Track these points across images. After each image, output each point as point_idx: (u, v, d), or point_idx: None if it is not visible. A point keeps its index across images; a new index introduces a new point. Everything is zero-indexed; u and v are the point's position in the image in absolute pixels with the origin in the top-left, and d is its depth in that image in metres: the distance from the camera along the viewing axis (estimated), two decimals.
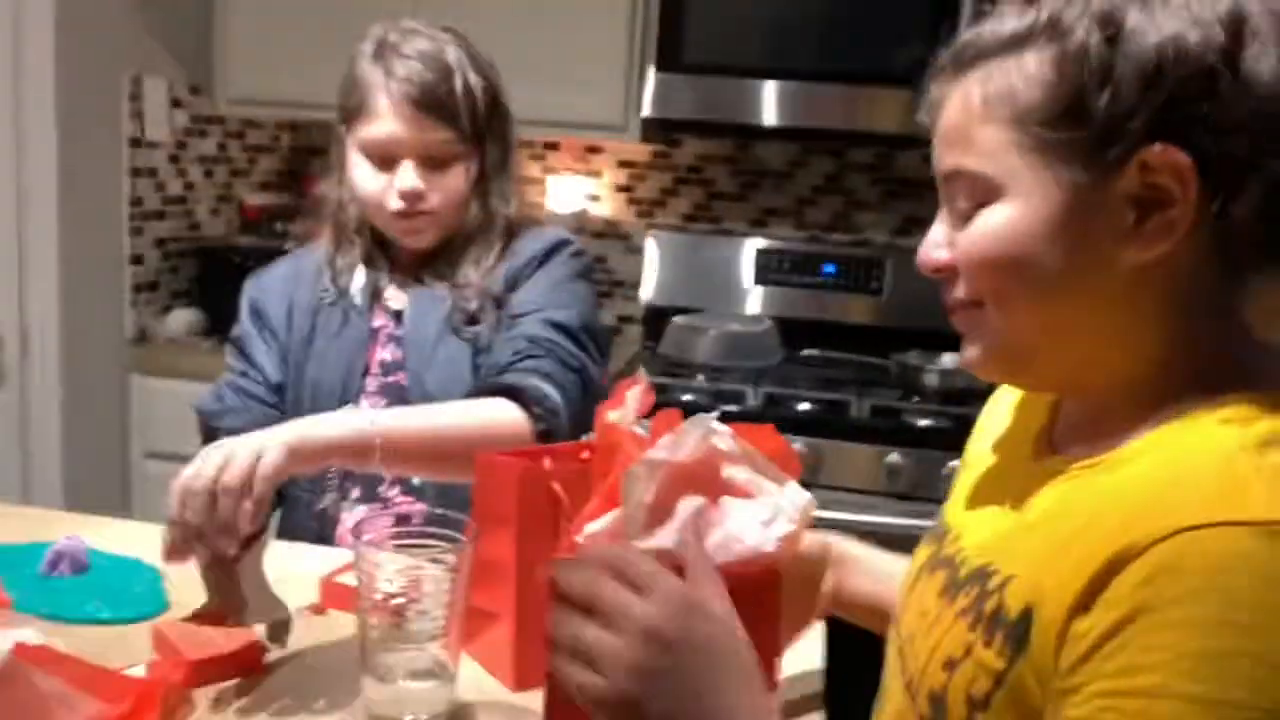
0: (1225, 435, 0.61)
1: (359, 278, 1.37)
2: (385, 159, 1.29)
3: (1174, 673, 0.54)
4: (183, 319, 2.41)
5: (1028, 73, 0.65)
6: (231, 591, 0.99)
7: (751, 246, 2.66)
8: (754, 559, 0.76)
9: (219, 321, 2.47)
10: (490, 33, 2.51)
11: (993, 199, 0.68)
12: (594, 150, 2.77)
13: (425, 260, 1.36)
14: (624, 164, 2.78)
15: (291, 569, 1.12)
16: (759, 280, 2.65)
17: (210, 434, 1.33)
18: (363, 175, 1.31)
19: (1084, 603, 0.58)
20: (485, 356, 1.29)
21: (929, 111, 0.73)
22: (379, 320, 1.36)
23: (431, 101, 1.27)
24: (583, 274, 1.37)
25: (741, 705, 0.61)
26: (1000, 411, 0.87)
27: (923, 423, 2.10)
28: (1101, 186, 0.64)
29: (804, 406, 2.14)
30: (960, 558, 0.74)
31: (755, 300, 2.65)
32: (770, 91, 2.34)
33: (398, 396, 1.33)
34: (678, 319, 2.43)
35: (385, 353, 1.35)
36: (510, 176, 1.37)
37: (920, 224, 2.66)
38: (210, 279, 2.53)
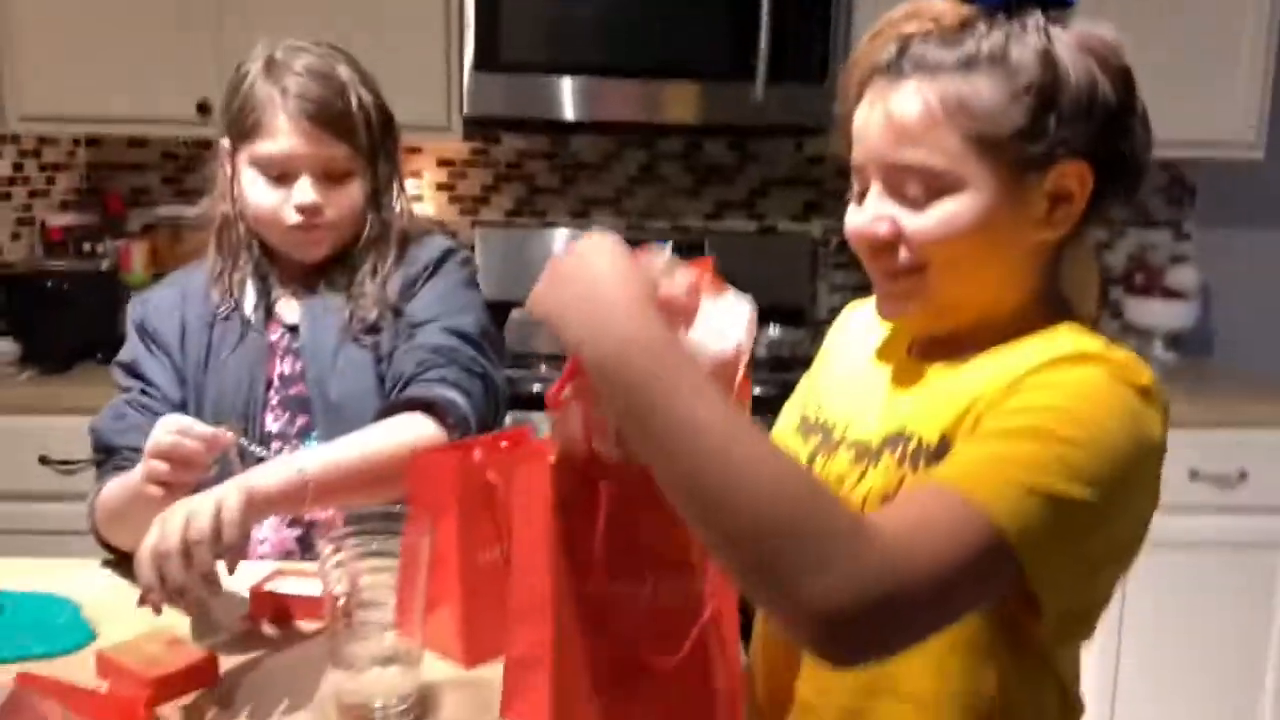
0: (1071, 333, 0.87)
1: (250, 292, 1.39)
2: (281, 174, 1.32)
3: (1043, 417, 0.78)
4: None
5: (981, 95, 0.83)
6: (206, 620, 1.08)
7: (575, 237, 2.75)
8: (719, 364, 0.84)
9: (33, 350, 2.36)
10: (308, 38, 2.50)
11: (950, 191, 0.85)
12: (412, 150, 2.79)
13: (317, 272, 1.39)
14: (443, 163, 2.82)
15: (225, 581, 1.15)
16: None
17: (108, 453, 1.32)
18: (257, 191, 1.33)
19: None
20: (386, 365, 1.34)
21: (845, 103, 0.90)
22: (274, 334, 1.38)
23: (329, 118, 1.31)
24: (473, 281, 1.44)
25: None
26: (850, 335, 1.09)
27: (756, 390, 2.26)
28: (1031, 185, 0.85)
29: None
30: (863, 436, 0.95)
31: None
32: (581, 88, 2.45)
33: (300, 408, 1.36)
34: (516, 312, 2.50)
35: (284, 366, 1.37)
36: (400, 188, 1.42)
37: (729, 207, 2.85)
38: (19, 307, 2.40)
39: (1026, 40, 0.84)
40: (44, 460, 2.22)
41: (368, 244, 1.38)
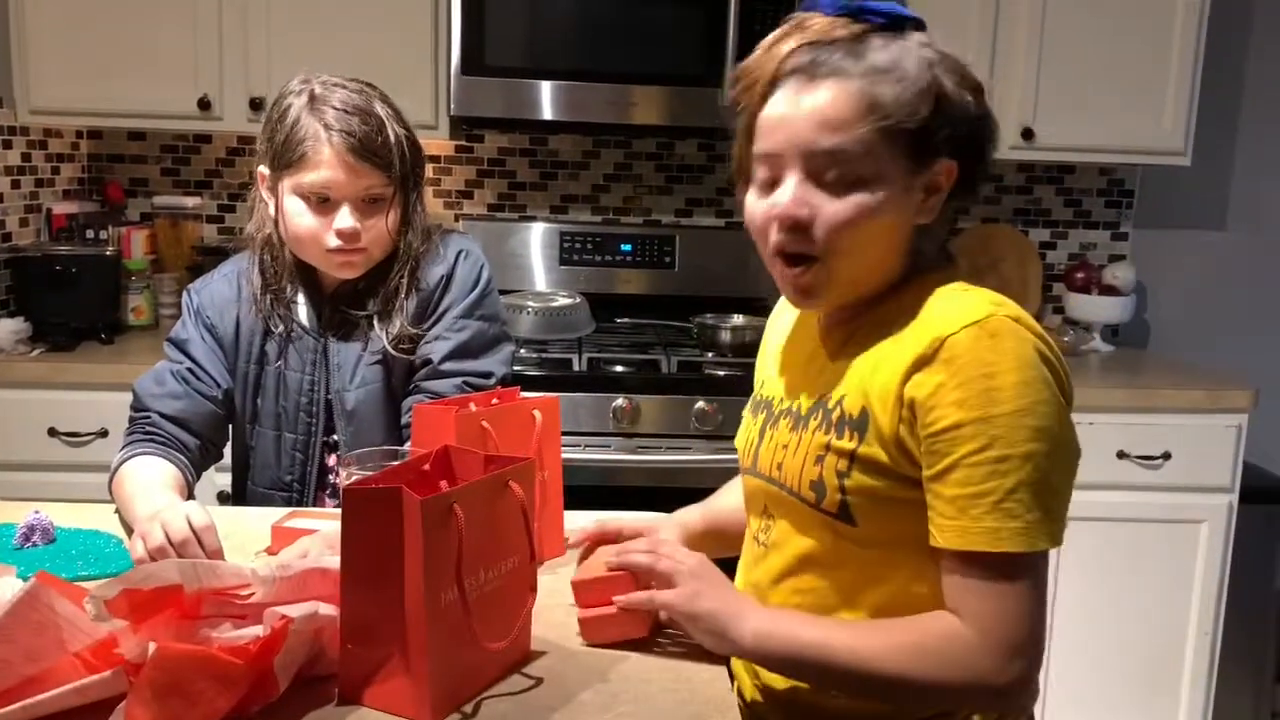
0: (943, 289, 1.04)
1: (303, 305, 1.55)
2: (323, 201, 1.45)
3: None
4: (8, 328, 2.42)
5: (888, 96, 0.98)
6: None
7: (554, 231, 2.93)
8: None
9: (42, 330, 2.49)
10: (308, 41, 2.67)
11: (862, 184, 0.99)
12: None
13: (345, 289, 1.55)
14: (429, 159, 2.97)
15: (250, 525, 1.34)
16: (563, 261, 2.93)
17: (141, 411, 1.47)
18: (301, 216, 1.46)
19: (910, 374, 0.98)
20: (398, 380, 1.53)
21: (751, 103, 1.04)
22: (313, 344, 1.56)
23: (368, 151, 1.43)
24: (483, 300, 1.57)
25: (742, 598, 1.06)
26: (779, 321, 1.27)
27: (722, 373, 2.44)
28: (917, 178, 1.02)
29: (621, 368, 2.44)
30: (795, 405, 1.11)
31: (561, 279, 2.93)
32: (560, 90, 2.61)
33: (328, 411, 1.55)
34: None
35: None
36: (422, 205, 1.56)
37: (699, 204, 3.03)
38: (29, 288, 2.54)
39: (915, 54, 1.00)
40: (52, 432, 2.36)
41: (397, 264, 1.53)
